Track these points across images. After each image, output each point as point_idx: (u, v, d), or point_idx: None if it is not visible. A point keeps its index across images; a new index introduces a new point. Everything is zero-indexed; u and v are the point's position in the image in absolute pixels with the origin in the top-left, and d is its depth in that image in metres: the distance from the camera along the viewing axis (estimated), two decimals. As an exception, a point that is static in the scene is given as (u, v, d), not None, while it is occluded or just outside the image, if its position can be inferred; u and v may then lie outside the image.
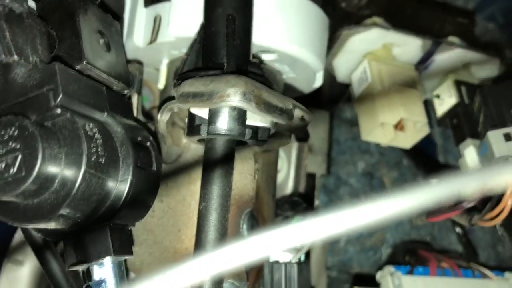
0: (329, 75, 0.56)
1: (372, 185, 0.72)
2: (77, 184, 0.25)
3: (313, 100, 0.60)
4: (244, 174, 0.38)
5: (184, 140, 0.37)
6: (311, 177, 0.60)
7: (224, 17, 0.33)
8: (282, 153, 0.56)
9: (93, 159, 0.26)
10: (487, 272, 0.57)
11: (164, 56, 0.42)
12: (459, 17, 0.56)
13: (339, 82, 0.56)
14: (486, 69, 0.54)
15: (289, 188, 0.56)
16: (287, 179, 0.56)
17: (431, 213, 0.51)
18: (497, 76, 0.55)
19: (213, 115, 0.31)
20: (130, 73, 0.37)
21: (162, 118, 0.34)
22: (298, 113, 0.32)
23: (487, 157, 0.43)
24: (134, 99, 0.37)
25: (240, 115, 0.30)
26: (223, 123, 0.30)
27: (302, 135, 0.58)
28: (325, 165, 0.61)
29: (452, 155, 0.75)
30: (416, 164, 0.72)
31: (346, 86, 0.56)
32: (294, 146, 0.57)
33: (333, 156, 0.71)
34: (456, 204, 0.51)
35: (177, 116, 0.36)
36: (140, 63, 0.39)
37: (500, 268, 0.61)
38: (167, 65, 0.43)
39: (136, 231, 0.38)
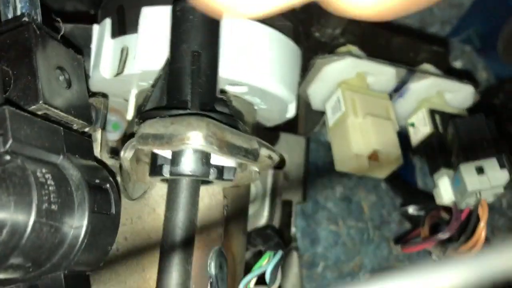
0: (305, 103, 0.55)
1: (350, 209, 0.72)
2: (26, 234, 0.24)
3: (290, 126, 0.60)
4: (212, 211, 0.37)
5: (149, 176, 0.36)
6: (287, 204, 0.60)
7: (189, 53, 0.32)
8: (257, 182, 0.55)
9: (44, 207, 0.25)
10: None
11: (132, 87, 0.41)
12: (433, 45, 0.56)
13: (314, 110, 0.55)
14: (461, 98, 0.54)
15: (264, 217, 0.55)
16: (262, 208, 0.55)
17: (405, 244, 0.50)
18: (472, 105, 0.55)
19: (176, 156, 0.30)
20: (94, 108, 0.36)
21: (125, 155, 0.33)
22: (264, 152, 0.32)
23: (460, 190, 0.43)
24: (98, 134, 0.35)
25: (203, 155, 0.30)
26: (186, 164, 0.29)
27: (278, 163, 0.58)
28: (301, 192, 0.60)
29: (431, 178, 0.75)
30: (394, 188, 0.72)
31: (322, 113, 0.56)
32: (269, 173, 0.56)
33: (311, 180, 0.70)
34: (431, 235, 0.51)
35: (142, 153, 0.35)
36: (105, 96, 0.38)
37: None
38: (136, 96, 0.42)
39: (99, 270, 0.37)
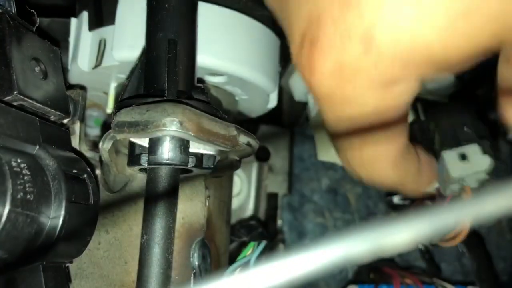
0: (288, 94, 0.55)
1: (337, 201, 0.72)
2: (1, 224, 0.24)
3: (274, 119, 0.60)
4: (194, 201, 0.37)
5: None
6: (273, 197, 0.60)
7: (165, 42, 0.32)
8: (242, 174, 0.55)
9: (19, 197, 0.25)
10: (450, 287, 0.57)
11: (111, 79, 0.41)
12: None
13: (297, 101, 0.55)
14: (443, 86, 0.54)
15: (249, 210, 0.55)
16: (247, 201, 0.55)
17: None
18: (453, 92, 0.55)
19: (153, 144, 0.29)
20: (72, 100, 0.35)
21: (104, 146, 0.33)
22: (243, 139, 0.32)
23: (443, 177, 0.43)
24: (77, 127, 0.35)
25: (181, 143, 0.29)
26: (164, 152, 0.29)
27: (262, 155, 0.58)
28: (286, 184, 0.60)
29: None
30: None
31: (305, 104, 0.56)
32: (254, 166, 0.56)
33: (297, 173, 0.70)
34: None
35: (121, 144, 0.34)
36: (83, 88, 0.38)
37: (464, 283, 0.61)
38: (115, 89, 0.41)
39: (81, 265, 0.36)
